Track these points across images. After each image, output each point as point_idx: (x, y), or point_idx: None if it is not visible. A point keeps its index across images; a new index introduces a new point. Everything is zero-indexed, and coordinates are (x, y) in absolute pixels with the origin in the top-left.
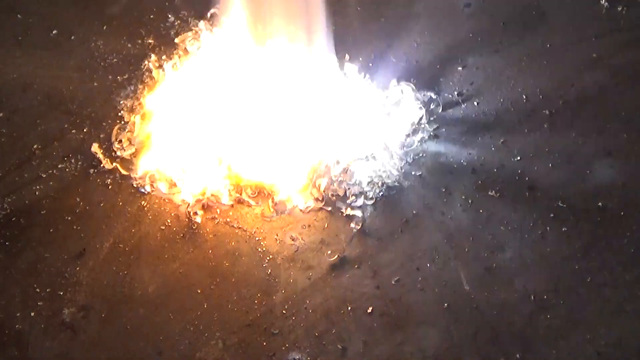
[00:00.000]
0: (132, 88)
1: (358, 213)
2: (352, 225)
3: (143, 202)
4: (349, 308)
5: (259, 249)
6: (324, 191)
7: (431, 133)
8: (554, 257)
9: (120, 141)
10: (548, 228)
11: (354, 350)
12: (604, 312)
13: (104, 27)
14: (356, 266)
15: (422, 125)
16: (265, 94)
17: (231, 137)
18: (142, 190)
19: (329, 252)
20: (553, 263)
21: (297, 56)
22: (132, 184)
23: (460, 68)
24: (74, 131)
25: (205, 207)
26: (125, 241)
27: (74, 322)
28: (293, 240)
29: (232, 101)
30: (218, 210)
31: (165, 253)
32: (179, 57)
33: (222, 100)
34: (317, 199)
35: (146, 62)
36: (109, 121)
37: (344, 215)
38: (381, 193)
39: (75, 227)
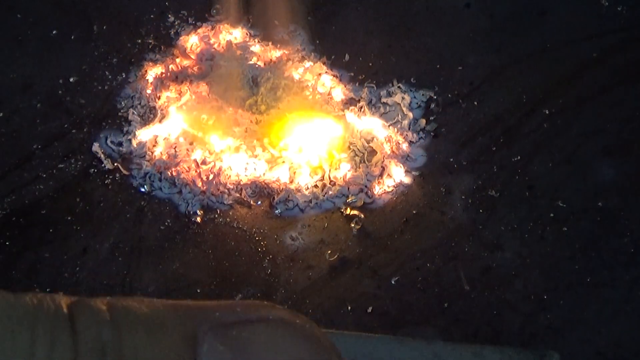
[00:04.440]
0: (133, 87)
1: (358, 213)
2: (352, 225)
3: (143, 202)
4: (349, 308)
5: (259, 249)
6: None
7: (431, 133)
8: (554, 257)
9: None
10: (548, 228)
11: None
12: (604, 312)
13: (104, 27)
14: (356, 266)
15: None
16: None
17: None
18: (142, 190)
19: (329, 252)
20: (553, 263)
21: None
22: (132, 184)
23: (460, 68)
24: (74, 131)
25: (205, 207)
26: (125, 241)
27: None
28: (293, 240)
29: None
30: (218, 210)
31: (165, 253)
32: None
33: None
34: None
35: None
36: (109, 121)
37: (344, 215)
38: (381, 192)
39: (75, 227)
